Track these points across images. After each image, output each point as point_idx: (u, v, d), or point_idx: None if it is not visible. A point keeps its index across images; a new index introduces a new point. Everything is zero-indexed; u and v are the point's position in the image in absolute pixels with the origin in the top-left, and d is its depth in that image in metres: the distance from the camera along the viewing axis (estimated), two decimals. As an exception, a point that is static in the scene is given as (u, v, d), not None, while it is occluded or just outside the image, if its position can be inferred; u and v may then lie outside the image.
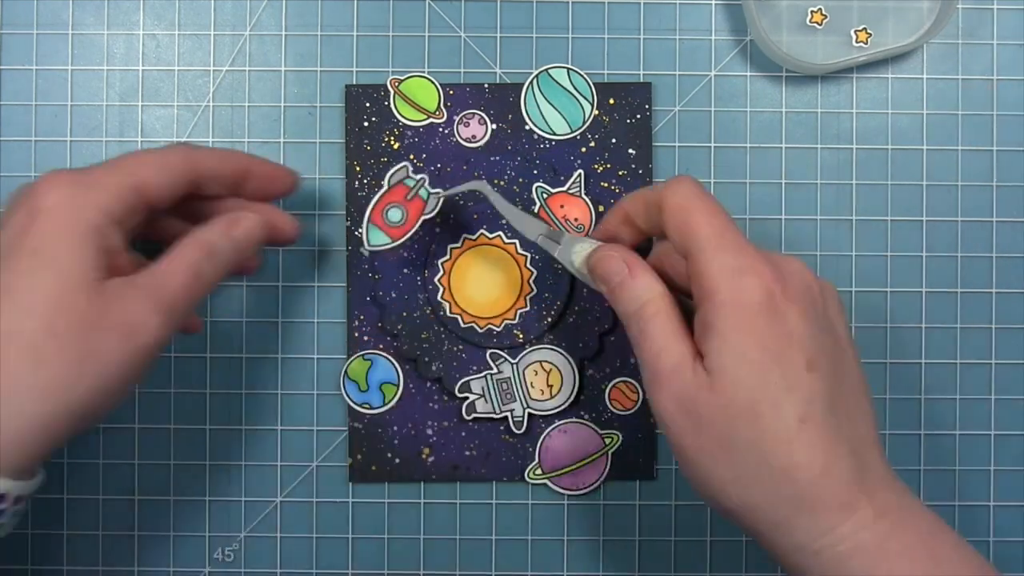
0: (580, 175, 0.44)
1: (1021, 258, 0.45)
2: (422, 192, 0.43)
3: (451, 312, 0.44)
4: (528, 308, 0.44)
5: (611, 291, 0.37)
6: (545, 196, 0.44)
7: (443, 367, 0.44)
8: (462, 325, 0.44)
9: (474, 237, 0.44)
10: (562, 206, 0.44)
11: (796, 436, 0.32)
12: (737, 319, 0.33)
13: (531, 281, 0.44)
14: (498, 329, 0.44)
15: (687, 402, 0.33)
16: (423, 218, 0.42)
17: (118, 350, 0.33)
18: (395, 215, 0.43)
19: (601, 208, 0.44)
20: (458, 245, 0.44)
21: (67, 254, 0.33)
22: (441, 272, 0.44)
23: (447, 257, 0.44)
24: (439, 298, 0.44)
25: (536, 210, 0.44)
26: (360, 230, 0.44)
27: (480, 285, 0.44)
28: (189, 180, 0.38)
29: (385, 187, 0.43)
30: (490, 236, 0.44)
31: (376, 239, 0.43)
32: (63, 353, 0.32)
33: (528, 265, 0.44)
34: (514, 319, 0.44)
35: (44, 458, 0.34)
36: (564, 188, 0.44)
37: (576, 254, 0.39)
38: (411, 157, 0.45)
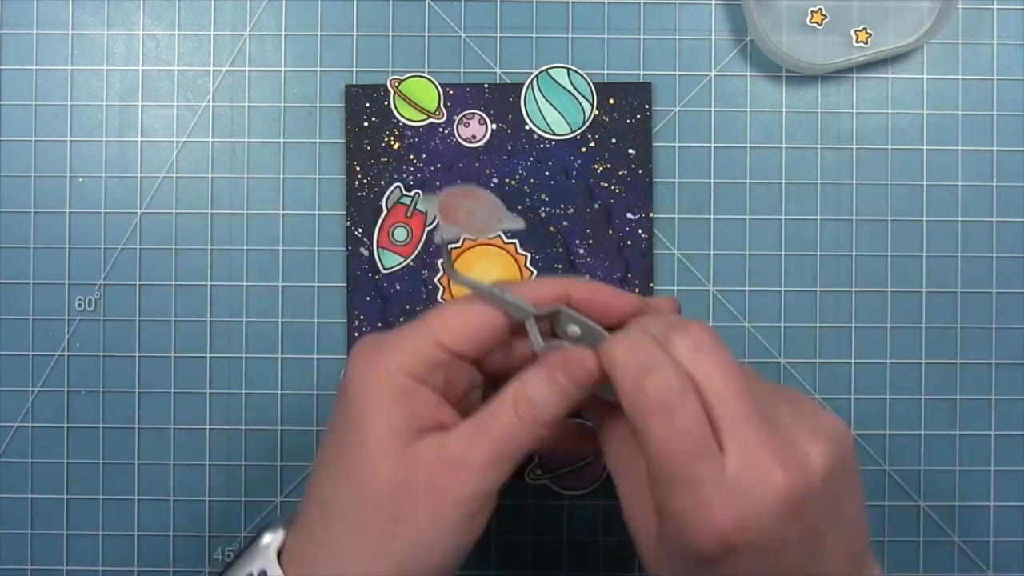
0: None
1: (1021, 258, 0.45)
2: (420, 206, 0.44)
3: (451, 312, 0.44)
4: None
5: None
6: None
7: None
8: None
9: (473, 238, 0.44)
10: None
11: None
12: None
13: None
14: (498, 329, 0.44)
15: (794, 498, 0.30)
16: (427, 230, 0.44)
17: (426, 513, 0.32)
18: (401, 234, 0.44)
19: (604, 184, 0.44)
20: (458, 245, 0.44)
21: (372, 422, 0.33)
22: (441, 272, 0.44)
23: (447, 257, 0.44)
24: (439, 298, 0.44)
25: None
26: (364, 250, 0.44)
27: (480, 285, 0.44)
28: (498, 334, 0.34)
29: (385, 210, 0.44)
30: (490, 236, 0.44)
31: (390, 261, 0.44)
32: (375, 516, 0.32)
33: (528, 265, 0.44)
34: (514, 319, 0.44)
35: None
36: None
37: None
38: (411, 157, 0.45)
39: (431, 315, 0.34)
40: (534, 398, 0.33)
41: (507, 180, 0.45)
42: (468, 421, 0.33)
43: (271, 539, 0.34)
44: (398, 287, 0.44)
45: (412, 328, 0.34)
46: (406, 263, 0.44)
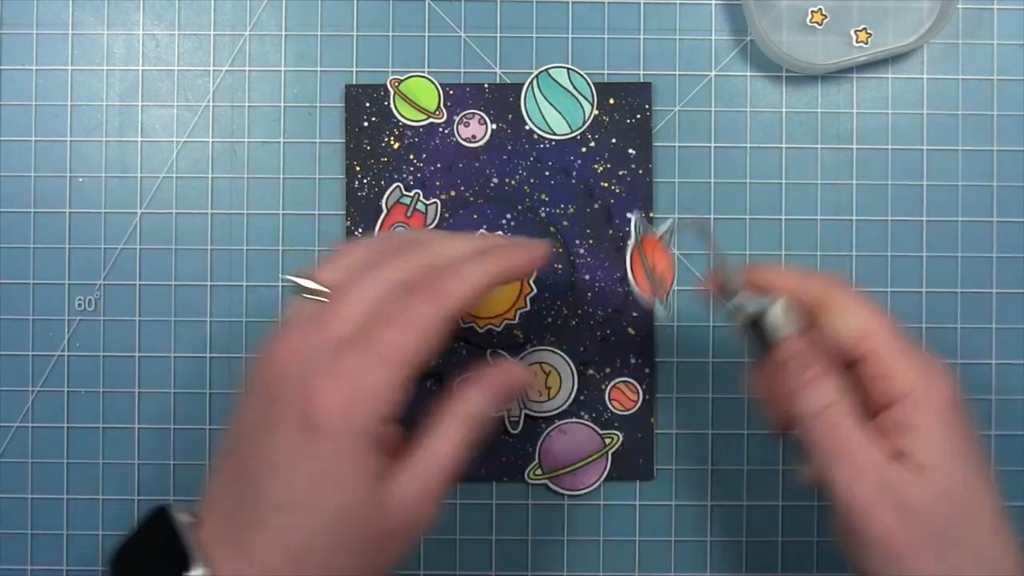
0: (674, 221, 0.44)
1: (1021, 258, 0.45)
2: (419, 206, 0.44)
3: (451, 312, 0.44)
4: (528, 308, 0.44)
5: (796, 387, 0.36)
6: (642, 231, 0.44)
7: (442, 364, 0.44)
8: (462, 325, 0.44)
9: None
10: (653, 251, 0.44)
11: (1001, 527, 0.34)
12: (937, 417, 0.34)
13: (531, 281, 0.44)
14: (498, 329, 0.44)
15: (895, 494, 0.33)
16: (428, 229, 0.44)
17: (399, 550, 0.35)
18: None
19: (604, 184, 0.44)
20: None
21: (351, 475, 0.33)
22: (441, 272, 0.44)
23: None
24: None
25: (630, 243, 0.44)
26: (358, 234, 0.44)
27: (480, 285, 0.44)
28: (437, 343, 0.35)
29: (384, 210, 0.44)
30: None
31: None
32: (353, 564, 0.34)
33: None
34: (514, 319, 0.44)
35: None
36: (660, 232, 0.44)
37: (770, 327, 0.36)
38: (411, 157, 0.45)
39: (387, 343, 0.33)
40: (477, 415, 0.35)
41: (507, 180, 0.45)
42: (420, 448, 0.35)
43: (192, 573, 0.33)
44: None
45: (378, 366, 0.33)
46: None
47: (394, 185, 0.44)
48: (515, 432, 0.44)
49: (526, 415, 0.44)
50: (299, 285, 0.35)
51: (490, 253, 0.36)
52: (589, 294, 0.44)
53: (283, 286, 0.36)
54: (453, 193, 0.44)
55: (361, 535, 0.34)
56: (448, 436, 0.35)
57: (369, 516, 0.34)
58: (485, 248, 0.36)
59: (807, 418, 0.35)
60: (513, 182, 0.45)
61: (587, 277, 0.44)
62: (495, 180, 0.45)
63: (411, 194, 0.44)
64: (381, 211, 0.44)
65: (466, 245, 0.36)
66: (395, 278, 0.35)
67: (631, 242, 0.43)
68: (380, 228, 0.44)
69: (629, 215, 0.43)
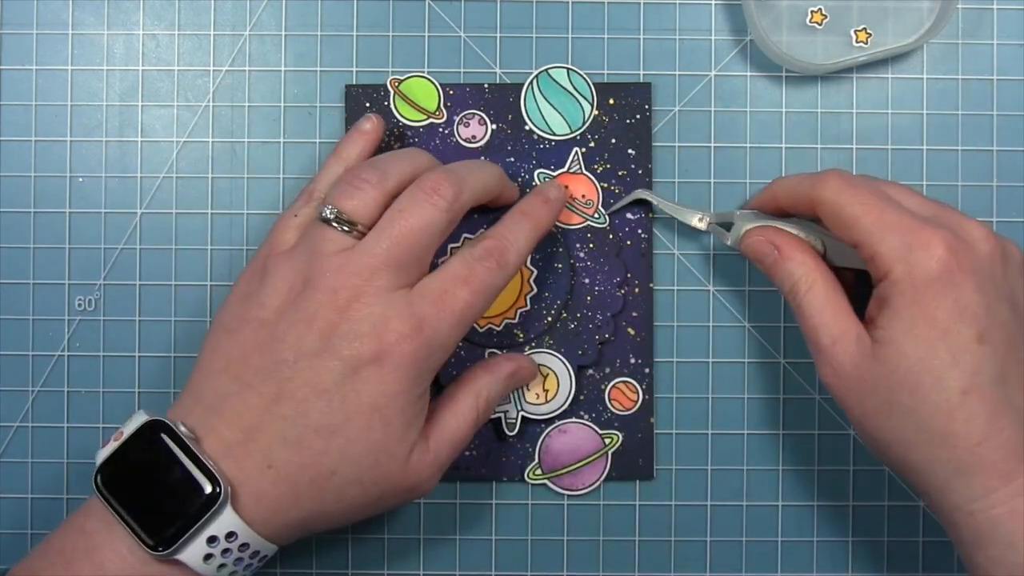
0: (576, 152, 0.44)
1: (1021, 258, 0.45)
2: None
3: (451, 312, 0.44)
4: (528, 307, 0.44)
5: (766, 271, 0.40)
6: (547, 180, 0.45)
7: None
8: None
9: (474, 237, 0.44)
10: (567, 187, 0.44)
11: (957, 407, 0.34)
12: (910, 294, 0.35)
13: (531, 280, 0.44)
14: (498, 328, 0.44)
15: (851, 370, 0.36)
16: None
17: (396, 503, 0.38)
18: None
19: (604, 184, 0.44)
20: (458, 245, 0.44)
21: (399, 416, 0.36)
22: (441, 272, 0.44)
23: (447, 257, 0.44)
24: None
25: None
26: None
27: (480, 285, 0.44)
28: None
29: None
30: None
31: None
32: (358, 499, 0.37)
33: (528, 264, 0.44)
34: (514, 318, 0.44)
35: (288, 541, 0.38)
36: (564, 169, 0.45)
37: (734, 240, 0.41)
38: (411, 157, 0.45)
39: (460, 300, 0.37)
40: (492, 393, 0.41)
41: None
42: (437, 418, 0.39)
43: (223, 493, 0.34)
44: None
45: (449, 321, 0.37)
46: None
47: None
48: (512, 434, 0.44)
49: (523, 417, 0.44)
50: (336, 215, 0.37)
51: (528, 215, 0.40)
52: (588, 298, 0.44)
53: (322, 215, 0.37)
54: None
55: (379, 475, 0.36)
56: (461, 414, 0.39)
57: (392, 460, 0.36)
58: (524, 208, 0.41)
59: (784, 297, 0.39)
60: (514, 183, 0.45)
61: (586, 281, 0.44)
62: (521, 184, 0.45)
63: None
64: None
65: (489, 177, 0.40)
66: (440, 220, 0.38)
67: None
68: None
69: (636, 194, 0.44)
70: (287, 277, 0.37)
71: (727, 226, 0.42)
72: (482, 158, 0.45)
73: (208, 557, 0.35)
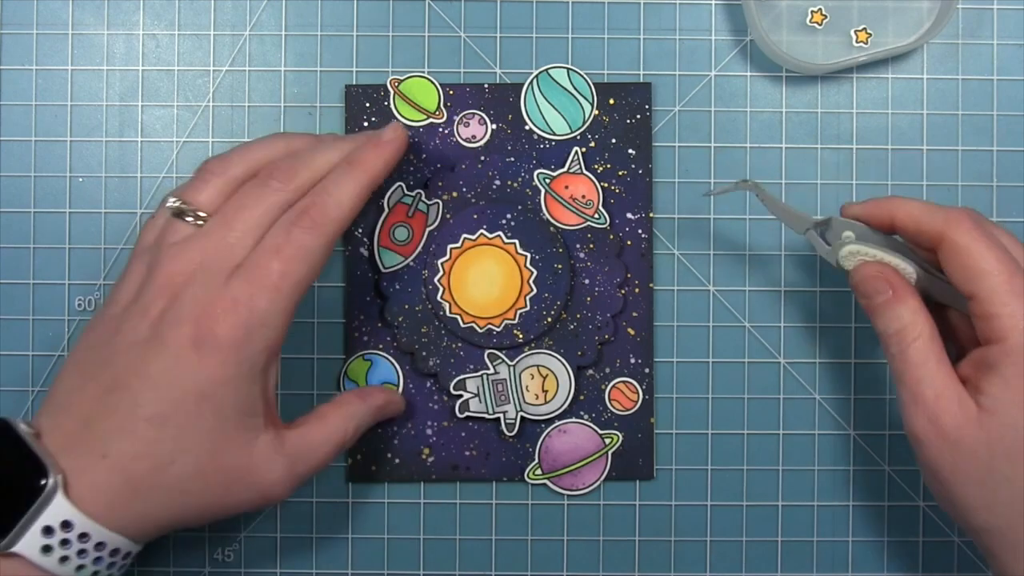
0: (576, 152, 0.44)
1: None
2: (421, 206, 0.44)
3: (451, 312, 0.44)
4: (528, 308, 0.44)
5: (872, 308, 0.38)
6: (548, 181, 0.44)
7: (440, 363, 0.44)
8: (462, 325, 0.44)
9: (474, 237, 0.44)
10: (567, 187, 0.44)
11: None
12: (1022, 367, 0.35)
13: (531, 281, 0.44)
14: (498, 329, 0.44)
15: (951, 431, 0.35)
16: (428, 229, 0.44)
17: (247, 503, 0.37)
18: (402, 234, 0.44)
19: (604, 184, 0.44)
20: (458, 245, 0.44)
21: (229, 403, 0.36)
22: (441, 272, 0.44)
23: (447, 257, 0.44)
24: (439, 298, 0.44)
25: (543, 196, 0.44)
26: (363, 250, 0.44)
27: (480, 285, 0.44)
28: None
29: (386, 209, 0.44)
30: (490, 236, 0.44)
31: (390, 260, 0.44)
32: (204, 493, 0.36)
33: (528, 265, 0.44)
34: (514, 319, 0.44)
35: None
36: (564, 169, 0.45)
37: (844, 259, 0.39)
38: (411, 157, 0.45)
39: (276, 272, 0.36)
40: (361, 418, 0.40)
41: (507, 181, 0.45)
42: (301, 430, 0.39)
43: (52, 482, 0.34)
44: (397, 286, 0.44)
45: (268, 295, 0.36)
46: (406, 263, 0.44)
47: (396, 185, 0.44)
48: (511, 435, 0.44)
49: (522, 417, 0.44)
50: (180, 208, 0.38)
51: (355, 163, 0.39)
52: (588, 299, 0.44)
53: (169, 206, 0.38)
54: (455, 194, 0.44)
55: (220, 467, 0.36)
56: (327, 430, 0.39)
57: (234, 452, 0.36)
58: (351, 157, 0.39)
59: (880, 338, 0.38)
60: (515, 184, 0.45)
61: (586, 281, 0.44)
62: (497, 181, 0.45)
63: (413, 194, 0.44)
64: (383, 210, 0.44)
65: (333, 154, 0.39)
66: (276, 201, 0.37)
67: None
68: (381, 227, 0.44)
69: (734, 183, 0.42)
70: (137, 271, 0.38)
71: (825, 233, 0.40)
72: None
73: (47, 549, 0.34)
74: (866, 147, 0.46)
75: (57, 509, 0.34)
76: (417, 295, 0.44)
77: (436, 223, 0.44)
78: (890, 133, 0.46)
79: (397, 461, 0.45)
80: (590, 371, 0.45)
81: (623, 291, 0.44)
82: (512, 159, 0.45)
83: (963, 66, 0.46)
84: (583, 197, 0.45)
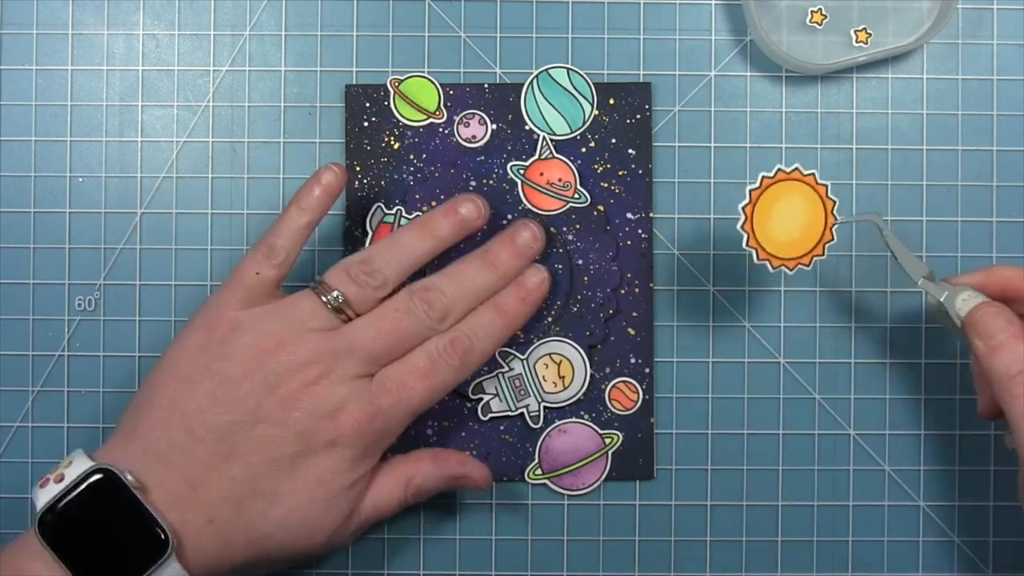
0: (544, 138, 0.44)
1: (1021, 258, 0.45)
2: (403, 221, 0.44)
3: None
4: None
5: (990, 349, 0.37)
6: (522, 172, 0.44)
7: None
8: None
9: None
10: (542, 173, 0.45)
11: None
12: None
13: (531, 281, 0.44)
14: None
15: None
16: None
17: (312, 554, 0.39)
18: None
19: (604, 184, 0.44)
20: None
21: (341, 500, 0.38)
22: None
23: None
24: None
25: (519, 188, 0.44)
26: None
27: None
28: None
29: (371, 231, 0.44)
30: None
31: None
32: (287, 560, 0.38)
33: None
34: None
35: None
36: (536, 156, 0.44)
37: (963, 303, 0.38)
38: (411, 157, 0.45)
39: (415, 393, 0.39)
40: (426, 488, 0.41)
41: (483, 179, 0.45)
42: (372, 492, 0.40)
43: (169, 544, 0.35)
44: None
45: (403, 412, 0.39)
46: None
47: (375, 206, 0.44)
48: (538, 426, 0.44)
49: (545, 408, 0.44)
50: (339, 307, 0.39)
51: (504, 313, 0.40)
52: (586, 278, 0.44)
53: (319, 293, 0.39)
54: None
55: (309, 545, 0.38)
56: (387, 492, 0.40)
57: (324, 533, 0.38)
58: (500, 305, 0.40)
59: (998, 381, 0.36)
60: (490, 180, 0.45)
61: (580, 262, 0.44)
62: (472, 182, 0.44)
63: (392, 212, 0.44)
64: (368, 232, 0.44)
65: (483, 290, 0.40)
66: (422, 330, 0.39)
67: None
68: (372, 242, 0.44)
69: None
70: (260, 337, 0.37)
71: (937, 289, 0.40)
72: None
73: None
74: (866, 147, 0.46)
75: (170, 571, 0.35)
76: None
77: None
78: (890, 133, 0.46)
79: (397, 461, 0.45)
80: (591, 371, 0.44)
81: (616, 264, 0.44)
82: (512, 159, 0.45)
83: (963, 66, 0.46)
84: (560, 180, 0.44)
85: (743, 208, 0.39)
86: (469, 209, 0.41)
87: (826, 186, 0.39)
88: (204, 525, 0.36)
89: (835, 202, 0.39)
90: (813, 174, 0.39)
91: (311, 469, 0.37)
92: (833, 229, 0.39)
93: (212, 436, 0.36)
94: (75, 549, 0.34)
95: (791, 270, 0.39)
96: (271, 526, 0.37)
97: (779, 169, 0.39)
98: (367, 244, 0.44)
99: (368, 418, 0.37)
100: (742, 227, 0.39)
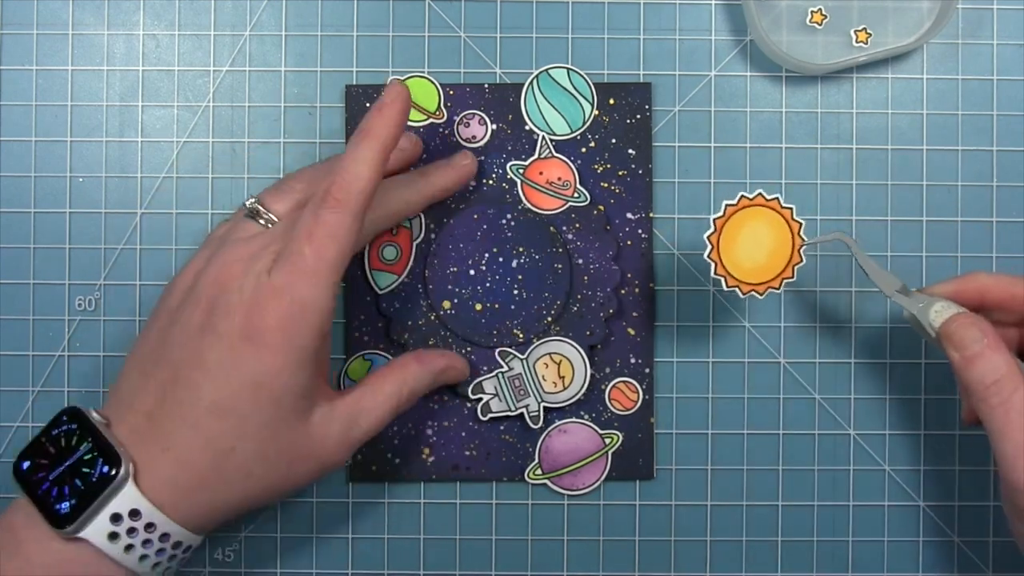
0: (544, 137, 0.44)
1: (1021, 258, 0.45)
2: (404, 222, 0.44)
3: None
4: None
5: (965, 360, 0.37)
6: (521, 171, 0.44)
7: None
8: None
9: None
10: (541, 173, 0.45)
11: None
12: None
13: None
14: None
15: None
16: (415, 243, 0.44)
17: (308, 475, 0.38)
18: (390, 253, 0.44)
19: (604, 184, 0.44)
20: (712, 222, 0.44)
21: (285, 390, 0.36)
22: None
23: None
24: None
25: (519, 187, 0.44)
26: (358, 272, 0.44)
27: (480, 285, 0.44)
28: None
29: None
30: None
31: (384, 281, 0.44)
32: (267, 474, 0.37)
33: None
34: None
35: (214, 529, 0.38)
36: (536, 156, 0.44)
37: (936, 314, 0.38)
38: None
39: (310, 255, 0.36)
40: (415, 382, 0.40)
41: (483, 180, 0.45)
42: (354, 394, 0.39)
43: (124, 470, 0.35)
44: (397, 305, 0.44)
45: (307, 281, 0.36)
46: (400, 280, 0.44)
47: None
48: (537, 427, 0.44)
49: (544, 408, 0.44)
50: (255, 208, 0.40)
51: (363, 133, 0.38)
52: (586, 277, 0.44)
53: (245, 205, 0.40)
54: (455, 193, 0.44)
55: (281, 448, 0.37)
56: (381, 395, 0.39)
57: (292, 433, 0.37)
58: (359, 128, 0.38)
59: (974, 392, 0.36)
60: (489, 181, 0.45)
61: (580, 261, 0.44)
62: (471, 182, 0.44)
63: None
64: None
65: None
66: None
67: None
68: (369, 251, 0.44)
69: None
70: (197, 262, 0.39)
71: (911, 302, 0.40)
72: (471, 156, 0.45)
73: (113, 536, 0.35)
74: (866, 147, 0.46)
75: (126, 497, 0.35)
76: (418, 309, 0.44)
77: (421, 236, 0.44)
78: (890, 133, 0.46)
79: (397, 461, 0.45)
80: (591, 371, 0.44)
81: (617, 264, 0.44)
82: (512, 159, 0.45)
83: (963, 66, 0.46)
84: (559, 179, 0.45)
85: (708, 237, 0.39)
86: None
87: (791, 208, 0.39)
88: (162, 452, 0.36)
89: (801, 224, 0.39)
90: (777, 198, 0.39)
91: (243, 372, 0.35)
92: (801, 251, 0.39)
93: (158, 367, 0.37)
94: (42, 485, 0.35)
95: (761, 295, 0.39)
96: (229, 439, 0.36)
97: (742, 196, 0.39)
98: (366, 247, 0.44)
99: (269, 300, 0.36)
100: (708, 256, 0.39)
